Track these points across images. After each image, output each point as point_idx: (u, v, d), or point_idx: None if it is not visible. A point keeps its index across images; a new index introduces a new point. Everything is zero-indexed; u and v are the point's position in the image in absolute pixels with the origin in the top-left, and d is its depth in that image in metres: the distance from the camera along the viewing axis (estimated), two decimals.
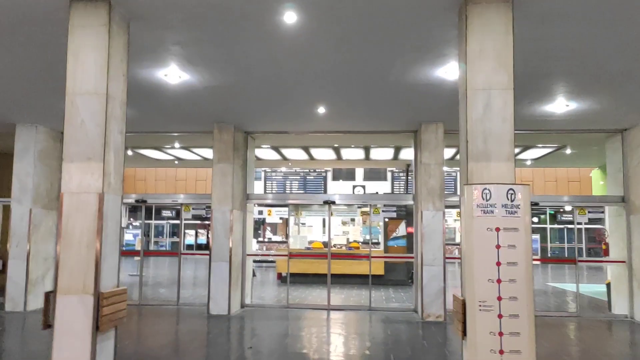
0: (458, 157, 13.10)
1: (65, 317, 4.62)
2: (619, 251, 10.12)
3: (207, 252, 9.96)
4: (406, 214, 14.99)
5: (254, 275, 11.75)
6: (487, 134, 4.76)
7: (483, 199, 4.47)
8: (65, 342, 4.60)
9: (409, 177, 20.18)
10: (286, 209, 27.39)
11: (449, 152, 12.06)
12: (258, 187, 25.14)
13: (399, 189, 27.54)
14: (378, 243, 19.86)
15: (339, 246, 17.57)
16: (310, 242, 17.00)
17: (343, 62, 6.62)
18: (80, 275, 4.67)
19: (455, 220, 16.35)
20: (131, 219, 26.03)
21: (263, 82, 7.41)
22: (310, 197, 13.20)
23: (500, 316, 4.33)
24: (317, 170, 29.00)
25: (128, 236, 25.09)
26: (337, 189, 26.12)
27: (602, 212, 10.73)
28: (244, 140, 10.67)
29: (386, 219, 14.48)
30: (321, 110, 8.85)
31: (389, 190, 26.89)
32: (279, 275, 16.08)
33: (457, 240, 22.49)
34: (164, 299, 11.42)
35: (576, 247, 10.57)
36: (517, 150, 12.60)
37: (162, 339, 7.93)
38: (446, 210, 9.64)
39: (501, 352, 4.31)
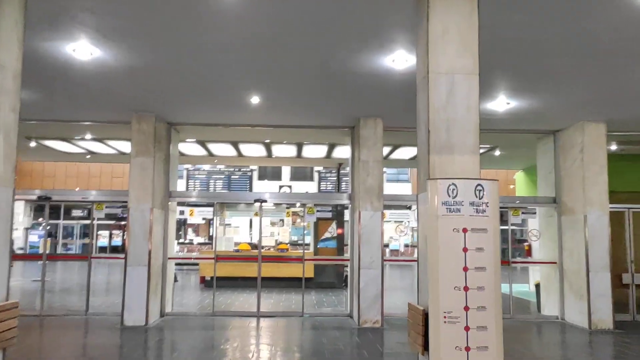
0: (392, 156, 12.79)
1: None
2: (550, 252, 10.12)
3: (123, 255, 8.91)
4: (337, 215, 14.51)
5: (175, 280, 10.77)
6: (450, 124, 4.25)
7: (449, 196, 3.94)
8: None
9: (341, 177, 19.82)
10: (209, 209, 26.26)
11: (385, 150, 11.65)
12: (180, 186, 23.88)
13: (327, 189, 27.18)
14: (308, 244, 19.32)
15: (267, 248, 16.79)
16: (237, 244, 16.11)
17: (280, 48, 5.95)
18: None
19: (386, 221, 16.06)
20: (40, 219, 23.85)
21: (189, 65, 6.58)
22: (239, 196, 12.37)
23: (467, 328, 3.82)
24: (242, 169, 28.07)
25: (33, 238, 22.98)
26: (263, 188, 25.30)
27: (526, 214, 10.68)
28: (167, 132, 9.69)
29: (317, 220, 13.89)
30: (255, 100, 8.11)
31: (315, 191, 26.42)
32: (202, 279, 15.08)
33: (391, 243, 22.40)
34: (71, 309, 10.18)
35: (510, 248, 10.46)
36: None
37: (65, 356, 6.86)
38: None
39: None
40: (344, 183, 25.78)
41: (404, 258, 15.45)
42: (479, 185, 3.95)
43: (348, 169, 10.40)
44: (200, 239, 26.23)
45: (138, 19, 5.18)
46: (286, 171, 29.37)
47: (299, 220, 22.30)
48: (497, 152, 12.75)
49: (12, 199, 4.17)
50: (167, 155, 9.72)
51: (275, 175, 29.28)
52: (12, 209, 4.19)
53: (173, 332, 8.41)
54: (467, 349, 3.80)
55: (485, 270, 3.86)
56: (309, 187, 27.44)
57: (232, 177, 28.22)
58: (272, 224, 21.24)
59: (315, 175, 28.60)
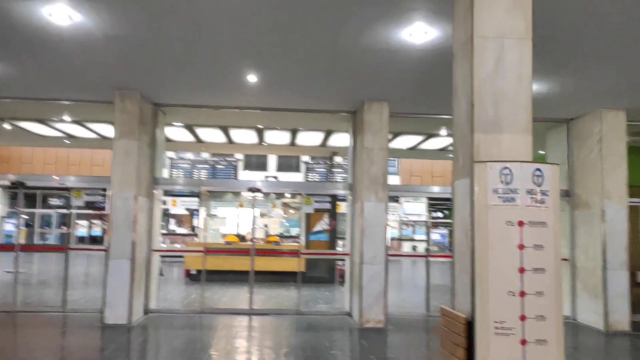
0: (390, 145, 12.12)
1: None
2: (561, 248, 9.55)
3: (103, 247, 8.13)
4: (330, 206, 13.83)
5: (161, 274, 10.03)
6: (498, 97, 3.59)
7: (501, 182, 3.28)
8: None
9: (334, 166, 19.14)
10: (193, 199, 25.47)
11: None
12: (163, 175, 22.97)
13: (314, 181, 26.50)
14: (297, 237, 18.62)
15: (256, 240, 16.07)
16: (224, 236, 15.36)
17: (283, 19, 5.25)
18: None
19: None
20: (16, 208, 22.74)
21: (180, 36, 5.83)
22: (230, 184, 11.55)
23: (524, 342, 3.18)
24: (227, 158, 27.27)
25: (8, 226, 21.93)
26: (249, 179, 24.53)
27: None
28: (153, 113, 8.91)
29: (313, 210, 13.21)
30: (251, 79, 7.37)
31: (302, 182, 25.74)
32: (187, 273, 14.32)
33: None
34: (47, 304, 9.37)
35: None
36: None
37: (40, 359, 6.11)
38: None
39: None
40: (338, 173, 25.19)
41: (408, 253, 14.82)
42: (537, 169, 3.31)
43: (338, 159, 9.70)
44: (183, 230, 25.45)
45: None
46: (272, 162, 28.66)
47: (290, 211, 21.62)
48: None
49: None
50: (153, 138, 8.95)
51: (261, 165, 28.52)
52: None
53: (159, 332, 7.69)
54: None
55: (544, 272, 3.23)
56: (296, 178, 26.75)
57: (217, 166, 27.39)
58: (262, 215, 20.43)
59: (302, 166, 27.93)
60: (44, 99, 8.68)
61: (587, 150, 8.83)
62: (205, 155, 27.52)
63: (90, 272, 15.29)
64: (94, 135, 12.13)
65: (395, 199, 23.34)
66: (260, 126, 10.99)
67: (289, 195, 19.93)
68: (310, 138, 12.20)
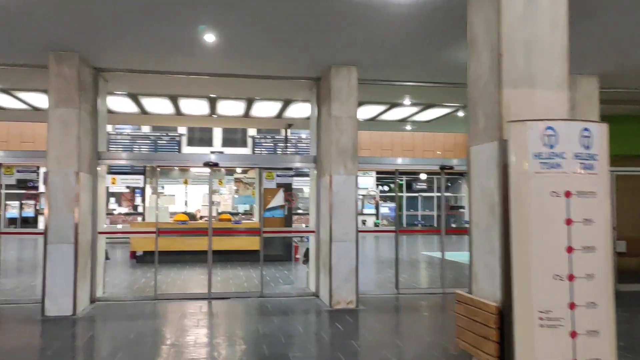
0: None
1: None
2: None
3: (37, 229, 7.17)
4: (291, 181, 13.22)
5: (107, 258, 9.11)
6: (530, 46, 3.05)
7: (544, 145, 2.75)
8: None
9: (289, 139, 18.38)
10: (136, 177, 24.09)
11: None
12: None
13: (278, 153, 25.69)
14: (251, 213, 17.87)
15: (206, 219, 15.20)
16: (173, 214, 14.42)
17: None
18: None
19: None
20: None
21: None
22: (184, 158, 10.56)
23: (574, 334, 2.71)
24: (169, 133, 25.98)
25: None
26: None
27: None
28: (94, 79, 7.90)
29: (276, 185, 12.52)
30: (209, 38, 6.55)
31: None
32: (133, 255, 13.37)
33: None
34: None
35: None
36: (417, 109, 11.40)
37: None
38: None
39: None
40: (290, 146, 24.45)
41: (380, 229, 14.28)
42: (585, 129, 2.79)
43: (289, 133, 9.05)
44: (124, 209, 24.17)
45: None
46: (217, 136, 27.62)
47: (242, 187, 20.75)
48: (461, 113, 11.87)
49: None
50: (95, 108, 7.95)
51: (206, 141, 27.43)
52: None
53: (109, 324, 6.88)
54: None
55: (595, 251, 2.76)
56: (242, 153, 25.88)
57: (159, 141, 26.09)
58: (214, 192, 19.37)
59: (249, 141, 27.03)
60: None
61: None
62: (145, 129, 26.08)
63: (24, 257, 14.02)
64: (24, 106, 10.85)
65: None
66: (213, 95, 10.12)
67: (239, 171, 19.05)
68: (265, 109, 11.42)
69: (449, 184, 28.41)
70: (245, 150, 26.45)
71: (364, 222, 22.56)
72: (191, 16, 5.83)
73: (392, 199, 26.51)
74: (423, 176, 26.32)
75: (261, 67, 8.03)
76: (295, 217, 19.55)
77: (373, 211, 25.04)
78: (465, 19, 3.69)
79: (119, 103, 10.73)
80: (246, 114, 11.76)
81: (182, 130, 26.18)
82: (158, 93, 10.02)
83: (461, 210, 26.70)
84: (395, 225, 8.82)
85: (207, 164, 8.41)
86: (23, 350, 5.67)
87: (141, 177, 23.41)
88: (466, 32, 4.93)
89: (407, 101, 10.48)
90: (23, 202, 22.13)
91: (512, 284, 2.77)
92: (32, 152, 8.36)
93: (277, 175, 8.60)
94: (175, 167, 20.84)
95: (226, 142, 27.49)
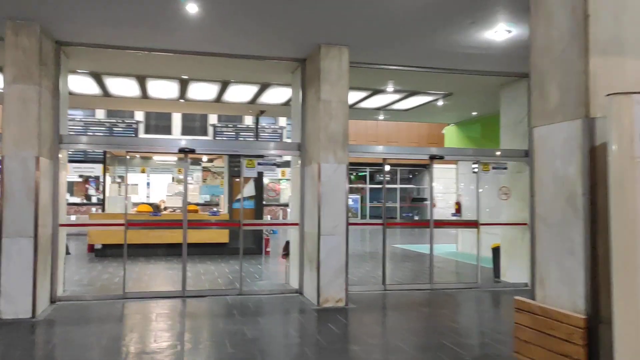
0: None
1: None
2: (517, 212, 9.12)
3: None
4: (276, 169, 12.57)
5: (67, 252, 8.28)
6: (619, 7, 2.57)
7: None
8: None
9: (259, 127, 17.64)
10: (90, 165, 22.82)
11: None
12: None
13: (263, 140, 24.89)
14: (217, 204, 17.08)
15: (171, 210, 14.37)
16: (136, 205, 13.54)
17: None
18: None
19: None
20: None
21: None
22: (156, 143, 9.66)
23: None
24: (126, 120, 24.75)
25: None
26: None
27: (496, 169, 9.46)
28: (55, 53, 7.06)
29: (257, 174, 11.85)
30: (192, 9, 5.87)
31: None
32: (91, 248, 12.46)
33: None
34: None
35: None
36: (399, 96, 10.96)
37: None
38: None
39: None
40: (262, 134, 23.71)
41: (371, 222, 13.63)
42: None
43: (268, 121, 8.46)
44: (77, 199, 22.89)
45: None
46: (177, 124, 26.60)
47: (211, 176, 19.87)
48: (441, 102, 11.51)
49: None
50: (56, 85, 7.12)
51: (164, 129, 26.38)
52: None
53: (75, 328, 6.12)
54: None
55: None
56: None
57: (115, 128, 24.83)
58: (179, 181, 18.43)
59: (210, 129, 26.12)
60: None
61: None
62: (100, 115, 24.77)
63: None
64: None
65: None
66: (184, 76, 9.36)
67: (205, 159, 18.19)
68: (239, 93, 10.72)
69: (411, 176, 28.33)
70: (207, 139, 25.50)
71: None
72: None
73: (356, 190, 26.17)
74: (387, 167, 26.12)
75: (241, 45, 7.39)
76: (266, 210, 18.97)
77: None
78: None
79: (78, 83, 9.79)
80: (218, 99, 11.02)
81: (139, 116, 25.01)
82: (124, 72, 9.17)
83: (425, 202, 26.65)
84: (382, 218, 8.34)
85: (182, 150, 7.70)
86: None
87: (96, 165, 22.21)
88: (467, 11, 4.47)
89: (390, 87, 10.03)
90: None
91: (611, 293, 2.31)
92: None
93: (259, 164, 7.98)
94: (137, 155, 19.72)
95: (186, 130, 26.48)
